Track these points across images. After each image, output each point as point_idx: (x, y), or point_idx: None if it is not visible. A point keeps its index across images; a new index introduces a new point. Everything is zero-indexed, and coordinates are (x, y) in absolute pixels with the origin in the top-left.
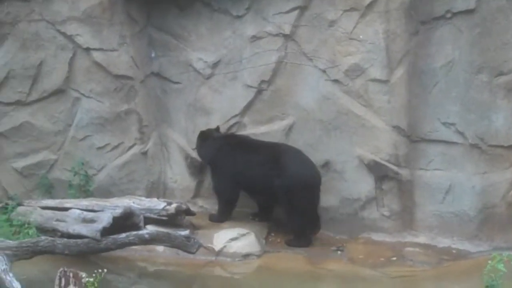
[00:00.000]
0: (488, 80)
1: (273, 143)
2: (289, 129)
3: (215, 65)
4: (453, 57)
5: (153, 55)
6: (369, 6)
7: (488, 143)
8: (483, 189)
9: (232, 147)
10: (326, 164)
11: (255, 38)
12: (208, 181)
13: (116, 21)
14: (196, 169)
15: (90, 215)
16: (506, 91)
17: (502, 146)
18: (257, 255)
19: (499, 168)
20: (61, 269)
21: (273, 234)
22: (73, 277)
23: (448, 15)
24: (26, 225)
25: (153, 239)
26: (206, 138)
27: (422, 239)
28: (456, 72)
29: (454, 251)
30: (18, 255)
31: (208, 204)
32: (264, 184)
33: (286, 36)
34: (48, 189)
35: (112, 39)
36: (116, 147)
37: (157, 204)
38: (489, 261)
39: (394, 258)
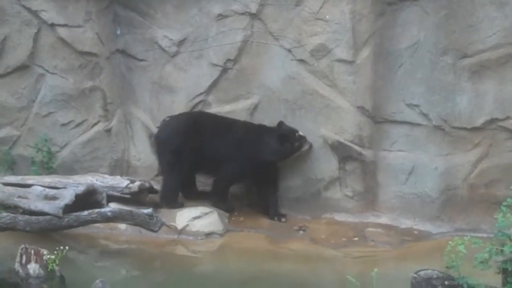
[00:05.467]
0: (453, 62)
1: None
2: (254, 108)
3: (180, 43)
4: (419, 39)
5: (118, 32)
6: None
7: (451, 125)
8: (446, 171)
9: None
10: None
11: (221, 17)
12: None
13: None
14: None
15: (52, 192)
16: (470, 74)
17: (465, 128)
18: (219, 234)
19: (461, 150)
20: (22, 246)
21: (236, 213)
22: (35, 254)
23: None
24: None
25: (115, 217)
26: None
27: (384, 219)
28: (421, 54)
29: (415, 232)
30: None
31: None
32: None
33: (252, 15)
34: (11, 165)
35: (77, 15)
36: (80, 124)
37: (120, 182)
38: (450, 242)
39: (356, 239)
